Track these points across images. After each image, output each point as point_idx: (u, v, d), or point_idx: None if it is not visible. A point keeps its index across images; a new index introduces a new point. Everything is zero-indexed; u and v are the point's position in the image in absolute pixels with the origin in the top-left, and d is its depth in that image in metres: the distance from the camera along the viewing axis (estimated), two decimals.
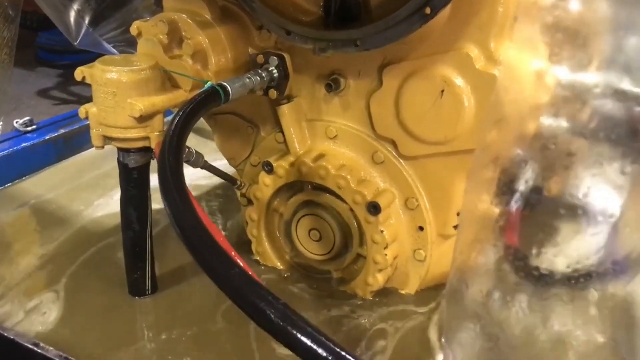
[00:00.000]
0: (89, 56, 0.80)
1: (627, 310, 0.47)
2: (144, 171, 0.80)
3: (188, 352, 0.76)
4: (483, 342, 0.49)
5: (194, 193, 0.56)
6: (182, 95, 0.79)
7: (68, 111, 1.43)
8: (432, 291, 0.86)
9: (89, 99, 0.78)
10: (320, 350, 0.43)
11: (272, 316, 0.45)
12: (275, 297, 0.46)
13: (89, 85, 0.77)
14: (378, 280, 0.83)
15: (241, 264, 0.51)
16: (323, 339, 0.44)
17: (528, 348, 0.48)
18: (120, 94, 0.74)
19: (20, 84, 2.11)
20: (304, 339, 0.44)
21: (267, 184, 0.87)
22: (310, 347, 0.44)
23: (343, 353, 0.43)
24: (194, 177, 1.12)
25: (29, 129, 1.28)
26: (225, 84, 0.74)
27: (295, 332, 0.44)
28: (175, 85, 0.80)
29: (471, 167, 0.58)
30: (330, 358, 0.43)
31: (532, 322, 0.48)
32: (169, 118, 0.69)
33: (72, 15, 1.47)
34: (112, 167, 1.04)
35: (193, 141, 1.19)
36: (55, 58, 2.30)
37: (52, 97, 2.08)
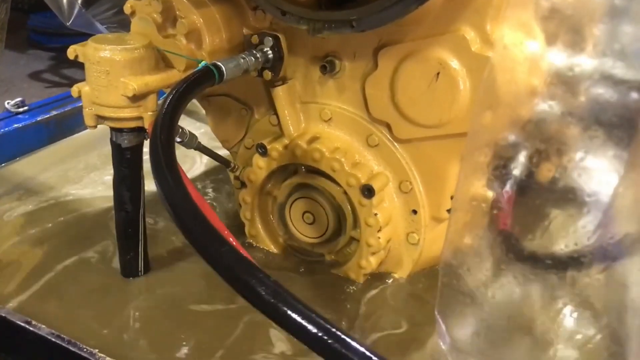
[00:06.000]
0: (81, 39, 0.78)
1: (617, 289, 0.47)
2: (137, 151, 0.79)
3: (179, 332, 0.76)
4: (475, 314, 0.49)
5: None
6: (176, 75, 0.78)
7: (60, 93, 1.41)
8: None
9: (81, 82, 0.77)
10: (310, 327, 0.43)
11: (263, 293, 0.45)
12: (266, 274, 0.46)
13: (82, 68, 0.76)
14: (371, 263, 0.83)
15: (233, 241, 0.51)
16: (313, 315, 0.44)
17: (518, 320, 0.48)
18: (114, 73, 0.73)
19: (12, 66, 2.08)
20: (294, 315, 0.44)
21: (260, 167, 0.86)
22: (301, 324, 0.43)
23: (333, 329, 0.43)
24: None
25: (21, 110, 1.26)
26: (219, 64, 0.73)
27: (285, 309, 0.44)
28: (169, 65, 0.79)
29: (465, 150, 0.58)
30: (320, 334, 0.43)
31: (523, 296, 0.48)
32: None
33: None
34: (105, 150, 1.03)
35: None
36: (47, 40, 2.27)
37: (44, 79, 2.05)
